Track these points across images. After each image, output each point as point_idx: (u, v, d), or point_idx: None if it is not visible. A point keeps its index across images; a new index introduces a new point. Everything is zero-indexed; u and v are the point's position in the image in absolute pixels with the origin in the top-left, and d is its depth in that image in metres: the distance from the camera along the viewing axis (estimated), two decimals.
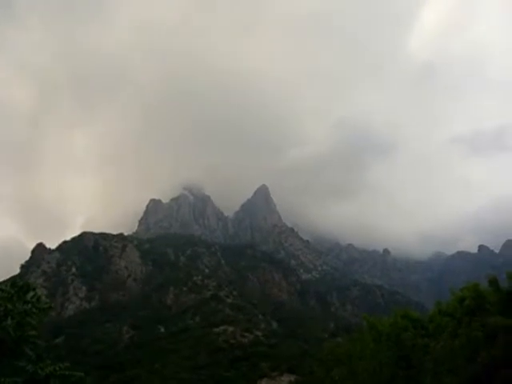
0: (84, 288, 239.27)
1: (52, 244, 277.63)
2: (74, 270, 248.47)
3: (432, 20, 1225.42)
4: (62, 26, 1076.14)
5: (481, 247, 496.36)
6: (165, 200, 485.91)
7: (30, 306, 21.54)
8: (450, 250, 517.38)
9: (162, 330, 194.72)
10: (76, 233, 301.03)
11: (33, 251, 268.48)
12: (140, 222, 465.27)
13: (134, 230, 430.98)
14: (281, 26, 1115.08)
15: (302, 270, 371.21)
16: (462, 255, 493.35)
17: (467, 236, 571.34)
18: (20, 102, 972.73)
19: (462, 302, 34.81)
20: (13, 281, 22.73)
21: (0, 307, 20.74)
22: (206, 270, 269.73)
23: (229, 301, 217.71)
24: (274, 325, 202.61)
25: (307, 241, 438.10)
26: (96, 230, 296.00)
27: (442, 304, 38.28)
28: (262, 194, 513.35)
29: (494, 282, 35.53)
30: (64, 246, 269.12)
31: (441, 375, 32.36)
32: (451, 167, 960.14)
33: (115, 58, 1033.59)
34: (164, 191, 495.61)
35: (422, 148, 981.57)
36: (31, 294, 21.92)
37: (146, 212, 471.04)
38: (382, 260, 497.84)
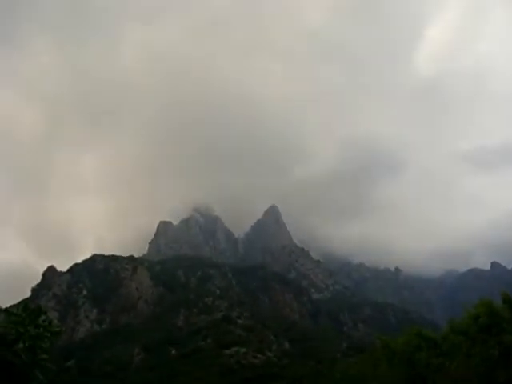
0: (95, 310, 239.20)
1: (63, 267, 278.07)
2: (84, 292, 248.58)
3: (436, 36, 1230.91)
4: (70, 51, 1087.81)
5: (493, 264, 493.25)
6: (175, 222, 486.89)
7: (41, 329, 21.47)
8: (462, 267, 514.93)
9: (174, 351, 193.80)
10: (86, 255, 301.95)
11: (44, 274, 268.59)
12: (150, 243, 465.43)
13: (145, 252, 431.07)
14: (283, 47, 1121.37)
15: (313, 290, 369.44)
16: (474, 272, 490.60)
17: (479, 253, 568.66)
18: (29, 126, 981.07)
19: (476, 320, 34.42)
20: (24, 304, 22.68)
21: (12, 331, 20.70)
22: (217, 291, 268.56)
23: (240, 322, 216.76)
24: (286, 345, 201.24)
25: (318, 260, 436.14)
26: (106, 253, 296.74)
27: (456, 322, 37.86)
28: (273, 214, 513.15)
29: (507, 299, 35.18)
30: (75, 269, 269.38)
31: None
32: (459, 183, 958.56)
33: (124, 82, 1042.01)
34: (174, 213, 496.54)
35: (429, 164, 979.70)
36: (43, 317, 21.85)
37: (157, 234, 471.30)
38: (393, 278, 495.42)
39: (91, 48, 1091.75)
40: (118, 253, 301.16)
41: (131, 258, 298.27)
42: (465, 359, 32.75)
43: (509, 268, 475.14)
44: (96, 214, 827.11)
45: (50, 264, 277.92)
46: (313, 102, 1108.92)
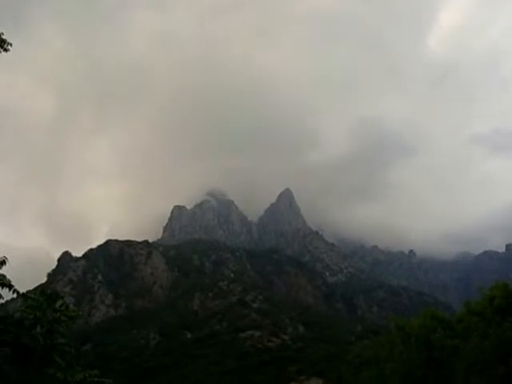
0: (110, 295, 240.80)
1: (78, 252, 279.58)
2: (100, 277, 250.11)
3: (451, 19, 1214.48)
4: (82, 37, 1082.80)
5: (508, 246, 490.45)
6: (189, 206, 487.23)
7: (58, 314, 21.68)
8: (477, 250, 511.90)
9: (189, 335, 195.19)
10: (101, 241, 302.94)
11: (59, 259, 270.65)
12: (164, 228, 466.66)
13: (159, 237, 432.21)
14: (296, 28, 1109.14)
15: (327, 273, 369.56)
16: (489, 254, 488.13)
17: (494, 235, 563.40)
18: (41, 113, 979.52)
19: (491, 302, 34.32)
20: (41, 289, 22.91)
21: (29, 315, 20.92)
22: (232, 275, 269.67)
23: (255, 305, 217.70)
24: (301, 328, 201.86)
25: (332, 244, 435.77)
26: (121, 238, 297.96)
27: (471, 304, 37.73)
28: (286, 197, 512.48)
29: None
30: (90, 254, 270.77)
31: (472, 376, 31.94)
32: (473, 166, 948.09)
33: (136, 68, 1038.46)
34: (188, 197, 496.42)
35: (443, 147, 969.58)
36: (60, 302, 22.07)
37: (171, 218, 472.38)
38: (407, 261, 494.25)
39: (103, 35, 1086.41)
40: (132, 238, 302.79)
41: (146, 242, 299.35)
42: (480, 341, 32.70)
43: None
44: (110, 200, 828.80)
45: (65, 250, 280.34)
46: (325, 85, 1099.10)
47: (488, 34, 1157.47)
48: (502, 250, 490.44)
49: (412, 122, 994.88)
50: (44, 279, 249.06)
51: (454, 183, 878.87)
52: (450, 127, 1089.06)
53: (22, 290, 20.86)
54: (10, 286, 19.62)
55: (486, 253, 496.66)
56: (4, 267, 19.50)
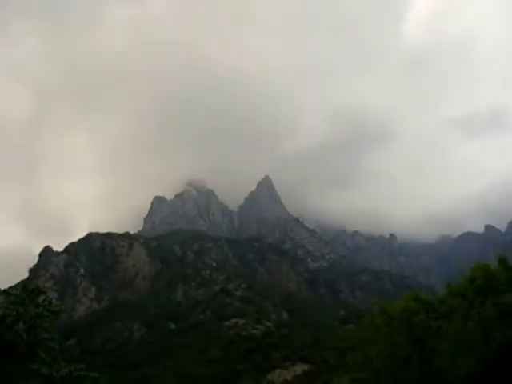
0: (93, 289, 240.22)
1: (59, 247, 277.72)
2: (82, 271, 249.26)
3: (425, 5, 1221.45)
4: (55, 30, 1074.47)
5: (487, 227, 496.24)
6: (169, 197, 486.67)
7: (41, 309, 21.55)
8: (457, 232, 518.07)
9: (173, 326, 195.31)
10: (82, 234, 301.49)
11: (40, 255, 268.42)
12: (145, 220, 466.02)
13: (140, 229, 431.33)
14: (270, 20, 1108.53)
15: (309, 260, 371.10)
16: (468, 236, 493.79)
17: (473, 217, 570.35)
18: (18, 108, 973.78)
19: (472, 283, 34.69)
20: (23, 285, 22.76)
21: (12, 311, 20.77)
22: (214, 265, 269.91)
23: (238, 294, 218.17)
24: (285, 315, 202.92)
25: (313, 230, 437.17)
26: (102, 231, 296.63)
27: (453, 285, 38.12)
28: (265, 185, 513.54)
29: (503, 261, 35.41)
30: (71, 248, 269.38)
31: (455, 357, 32.32)
32: (450, 150, 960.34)
33: (111, 58, 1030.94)
34: (167, 188, 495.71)
35: (419, 133, 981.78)
36: (42, 297, 21.93)
37: (151, 210, 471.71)
38: (388, 245, 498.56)
39: (76, 25, 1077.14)
40: (113, 230, 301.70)
41: (127, 234, 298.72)
42: (462, 321, 33.07)
43: (503, 231, 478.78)
44: (90, 194, 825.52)
45: (46, 244, 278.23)
46: (300, 74, 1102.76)
47: (462, 19, 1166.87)
48: (481, 231, 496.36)
49: (388, 108, 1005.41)
50: (26, 275, 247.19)
51: (432, 167, 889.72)
52: (426, 112, 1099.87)
53: (3, 287, 20.70)
54: None
55: (465, 234, 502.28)
56: None
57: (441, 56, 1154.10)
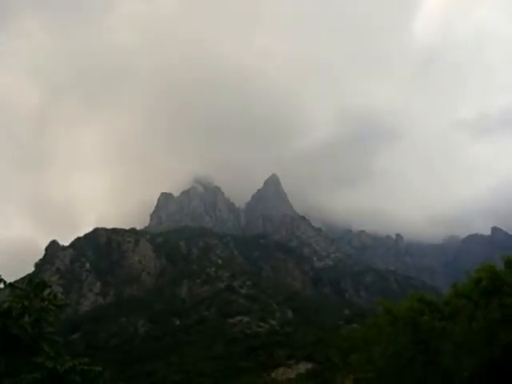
0: (98, 284, 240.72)
1: (65, 241, 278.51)
2: (87, 266, 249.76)
3: (436, 4, 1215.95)
4: (62, 27, 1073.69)
5: (494, 229, 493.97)
6: (176, 193, 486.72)
7: (46, 303, 21.61)
8: (463, 233, 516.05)
9: (178, 322, 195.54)
10: (88, 229, 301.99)
11: (46, 249, 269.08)
12: (152, 216, 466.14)
13: (146, 225, 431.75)
14: (283, 15, 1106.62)
15: (315, 258, 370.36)
16: (475, 238, 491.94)
17: (479, 218, 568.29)
18: (26, 104, 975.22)
19: (478, 284, 34.65)
20: (29, 279, 22.83)
21: (17, 305, 20.84)
22: (219, 262, 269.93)
23: (243, 291, 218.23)
24: (289, 313, 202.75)
25: (319, 228, 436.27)
26: (108, 226, 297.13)
27: (458, 286, 38.06)
28: (273, 183, 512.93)
29: (509, 263, 35.36)
30: (77, 243, 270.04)
31: (459, 358, 32.32)
32: (460, 150, 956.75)
33: (121, 54, 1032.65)
34: (174, 185, 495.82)
35: (429, 132, 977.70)
36: (47, 291, 21.99)
37: (158, 206, 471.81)
38: (394, 245, 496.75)
39: (82, 22, 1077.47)
40: (120, 226, 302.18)
41: (133, 230, 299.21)
42: (467, 322, 33.05)
43: (510, 233, 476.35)
44: (97, 188, 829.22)
45: (52, 239, 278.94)
46: (311, 73, 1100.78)
47: (473, 18, 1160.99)
48: (488, 233, 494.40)
49: (398, 108, 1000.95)
50: (32, 269, 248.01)
51: (440, 167, 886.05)
52: (436, 112, 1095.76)
53: (9, 280, 20.77)
54: None
55: (472, 236, 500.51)
56: None
57: (452, 55, 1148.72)
